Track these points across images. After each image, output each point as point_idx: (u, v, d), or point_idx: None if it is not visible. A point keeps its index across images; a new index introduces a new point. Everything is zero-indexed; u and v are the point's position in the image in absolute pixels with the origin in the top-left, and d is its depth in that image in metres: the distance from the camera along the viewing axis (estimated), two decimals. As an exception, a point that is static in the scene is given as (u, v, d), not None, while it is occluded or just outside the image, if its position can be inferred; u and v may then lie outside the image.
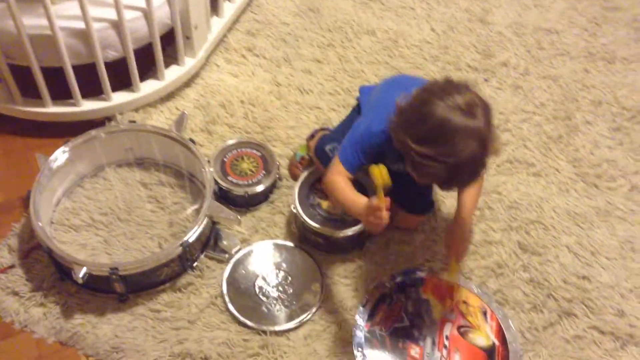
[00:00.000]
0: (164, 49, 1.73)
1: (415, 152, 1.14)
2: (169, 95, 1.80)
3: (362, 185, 1.45)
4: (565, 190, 1.66)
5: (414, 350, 1.36)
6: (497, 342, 1.38)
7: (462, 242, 1.40)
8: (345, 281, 1.46)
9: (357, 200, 1.28)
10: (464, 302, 1.44)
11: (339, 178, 1.32)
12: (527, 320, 1.42)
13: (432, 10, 2.14)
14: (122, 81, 1.71)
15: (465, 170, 1.16)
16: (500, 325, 1.41)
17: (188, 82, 1.84)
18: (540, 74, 1.95)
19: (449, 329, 1.40)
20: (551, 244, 1.55)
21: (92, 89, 1.68)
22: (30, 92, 1.66)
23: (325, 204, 1.49)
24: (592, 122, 1.82)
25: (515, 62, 1.98)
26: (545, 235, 1.57)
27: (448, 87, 1.16)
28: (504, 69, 1.95)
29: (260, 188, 1.53)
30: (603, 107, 1.86)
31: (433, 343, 1.38)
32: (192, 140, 1.55)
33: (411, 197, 1.49)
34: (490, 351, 1.37)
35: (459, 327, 1.40)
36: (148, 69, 1.75)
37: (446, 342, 1.38)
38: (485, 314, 1.42)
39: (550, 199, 1.64)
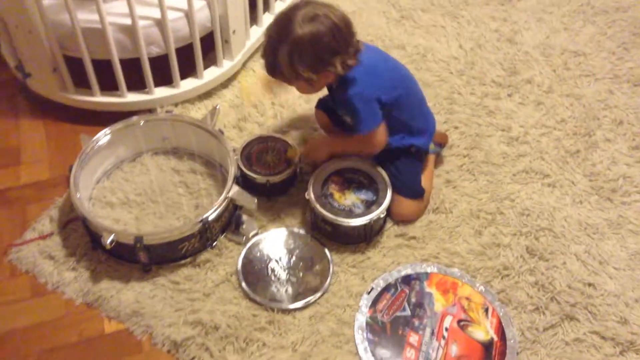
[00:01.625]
0: (204, 52, 1.88)
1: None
2: (207, 94, 1.95)
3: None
4: (579, 201, 1.70)
5: (413, 338, 1.42)
6: (495, 338, 1.42)
7: (308, 146, 1.66)
8: (353, 270, 1.54)
9: None
10: (467, 298, 1.49)
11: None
12: (529, 320, 1.46)
13: (462, 29, 2.23)
14: (164, 77, 1.87)
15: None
16: (500, 322, 1.45)
17: (225, 83, 1.98)
18: (563, 92, 1.99)
19: (449, 322, 1.45)
20: (559, 251, 1.58)
21: (136, 83, 1.84)
22: (80, 82, 1.83)
23: (336, 193, 1.59)
24: (611, 139, 1.85)
25: (539, 80, 2.03)
26: (555, 243, 1.60)
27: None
28: (528, 86, 2.01)
29: (280, 178, 1.64)
30: (624, 127, 1.89)
31: (432, 333, 1.43)
32: (221, 131, 1.67)
33: (400, 180, 1.61)
34: (488, 345, 1.41)
35: (459, 321, 1.45)
36: (189, 68, 1.90)
37: (445, 333, 1.43)
38: (486, 310, 1.47)
39: (563, 209, 1.68)
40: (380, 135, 1.54)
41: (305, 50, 1.36)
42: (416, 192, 1.62)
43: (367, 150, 1.60)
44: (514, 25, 2.25)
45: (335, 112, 1.66)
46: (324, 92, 1.61)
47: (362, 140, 1.55)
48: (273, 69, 1.42)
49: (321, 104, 1.76)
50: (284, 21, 1.37)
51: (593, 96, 1.99)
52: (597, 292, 1.51)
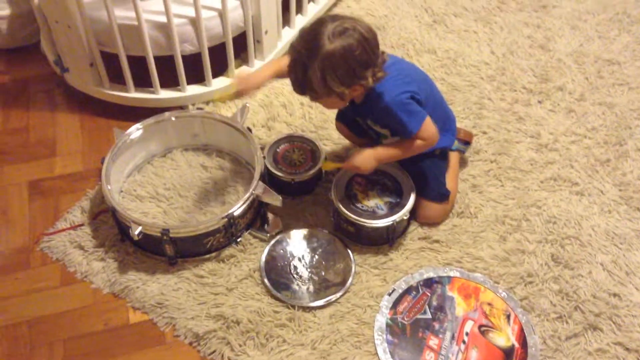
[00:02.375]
0: (237, 51, 1.91)
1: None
2: (238, 93, 1.97)
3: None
4: (607, 211, 1.68)
5: (433, 341, 1.42)
6: (517, 345, 1.42)
7: (353, 160, 1.54)
8: (375, 271, 1.55)
9: None
10: (489, 304, 1.49)
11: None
12: (551, 328, 1.44)
13: (494, 35, 2.22)
14: (196, 75, 1.90)
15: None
16: (522, 329, 1.44)
17: (256, 83, 2.01)
18: (596, 100, 1.97)
19: (469, 326, 1.45)
20: (585, 260, 1.56)
21: (169, 80, 1.88)
22: (116, 78, 1.88)
23: (359, 194, 1.60)
24: (644, 149, 1.83)
25: (571, 88, 2.01)
26: (581, 251, 1.58)
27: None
28: (559, 93, 1.99)
29: (305, 177, 1.65)
30: (658, 137, 1.87)
31: (452, 337, 1.43)
32: (249, 129, 1.70)
33: (424, 183, 1.61)
34: (508, 352, 1.41)
35: (480, 326, 1.45)
36: (221, 67, 1.93)
37: (465, 338, 1.43)
38: (508, 317, 1.46)
39: (591, 217, 1.66)
40: (431, 128, 1.51)
41: (338, 66, 1.33)
42: (442, 195, 1.62)
43: (418, 148, 1.54)
44: (548, 32, 2.23)
45: (355, 122, 1.66)
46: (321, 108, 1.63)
47: (413, 142, 1.51)
48: (302, 86, 1.39)
49: (340, 116, 1.75)
50: (312, 37, 1.34)
51: (626, 105, 1.96)
52: (622, 302, 1.49)
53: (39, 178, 1.77)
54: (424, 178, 1.61)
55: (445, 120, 1.65)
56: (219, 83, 1.92)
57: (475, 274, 1.54)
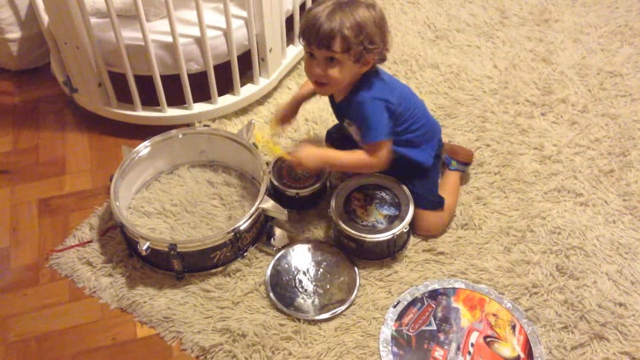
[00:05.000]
0: (242, 70, 1.94)
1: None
2: (243, 110, 2.01)
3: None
4: (612, 221, 1.68)
5: (438, 353, 1.42)
6: (522, 355, 1.42)
7: (299, 153, 1.52)
8: (379, 283, 1.56)
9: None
10: (494, 314, 1.49)
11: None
12: (557, 339, 1.44)
13: (497, 49, 2.24)
14: (202, 93, 1.94)
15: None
16: (527, 340, 1.44)
17: (261, 100, 2.04)
18: (599, 112, 1.98)
19: (475, 337, 1.45)
20: (590, 270, 1.56)
21: (176, 99, 1.92)
22: (123, 97, 1.92)
23: (358, 210, 1.62)
24: (648, 160, 1.83)
25: (574, 100, 2.02)
26: (586, 261, 1.58)
27: None
28: (562, 105, 2.00)
29: (310, 192, 1.67)
30: (661, 147, 1.87)
31: (458, 348, 1.43)
32: (254, 145, 1.73)
33: (416, 193, 1.62)
34: (514, 363, 1.41)
35: (485, 337, 1.45)
36: (226, 85, 1.96)
37: (471, 349, 1.43)
38: (514, 327, 1.46)
39: (595, 228, 1.66)
40: (386, 151, 1.51)
41: (376, 24, 1.41)
42: (434, 203, 1.63)
43: (366, 166, 1.53)
44: (550, 46, 2.25)
45: (345, 143, 1.66)
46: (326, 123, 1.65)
47: (363, 154, 1.51)
48: (331, 35, 1.38)
49: (328, 136, 1.80)
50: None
51: (629, 116, 1.97)
52: (628, 312, 1.48)
53: (48, 196, 1.80)
54: (415, 188, 1.63)
55: (429, 131, 1.65)
56: (224, 101, 1.95)
57: (480, 285, 1.55)
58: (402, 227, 1.55)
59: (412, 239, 1.64)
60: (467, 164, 1.78)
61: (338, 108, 1.60)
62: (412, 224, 1.61)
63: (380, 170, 1.57)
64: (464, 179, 1.79)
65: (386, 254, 1.59)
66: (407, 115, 1.56)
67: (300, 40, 1.45)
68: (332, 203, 1.61)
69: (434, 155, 1.66)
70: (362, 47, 1.40)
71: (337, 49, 1.40)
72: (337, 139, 1.76)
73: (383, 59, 1.48)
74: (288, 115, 1.70)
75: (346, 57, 1.41)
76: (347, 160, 1.54)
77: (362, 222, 1.59)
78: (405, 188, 1.63)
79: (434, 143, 1.67)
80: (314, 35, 1.40)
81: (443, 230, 1.66)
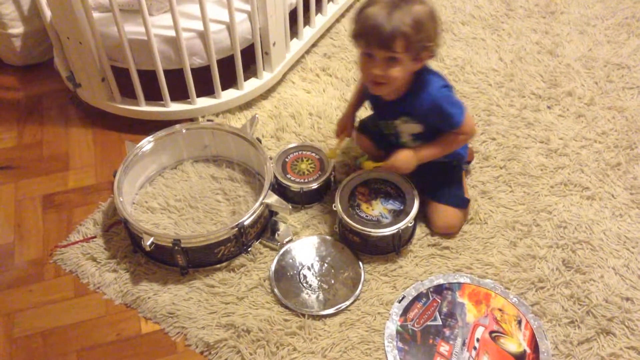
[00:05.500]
0: (245, 64, 1.93)
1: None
2: (247, 104, 2.00)
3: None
4: (619, 215, 1.66)
5: (444, 348, 1.42)
6: (528, 350, 1.41)
7: (394, 161, 1.56)
8: (384, 278, 1.55)
9: None
10: (500, 309, 1.48)
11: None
12: (563, 333, 1.43)
13: (502, 41, 2.22)
14: (206, 88, 1.93)
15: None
16: (533, 335, 1.43)
17: (265, 95, 2.03)
18: (605, 104, 1.96)
19: (480, 332, 1.44)
20: (597, 265, 1.55)
21: (179, 93, 1.91)
22: (127, 92, 1.91)
23: (363, 204, 1.61)
24: (655, 153, 1.82)
25: (581, 92, 2.00)
26: (592, 256, 1.57)
27: None
28: (569, 98, 1.99)
29: (314, 186, 1.66)
30: (669, 140, 1.85)
31: (463, 343, 1.42)
32: (258, 140, 1.72)
33: (444, 188, 1.62)
34: (520, 358, 1.40)
35: (491, 332, 1.44)
36: (230, 79, 1.95)
37: (476, 344, 1.42)
38: (519, 322, 1.45)
39: (602, 222, 1.65)
40: (471, 120, 1.55)
41: (433, 23, 1.41)
42: (463, 200, 1.63)
43: (462, 143, 1.58)
44: (556, 38, 2.23)
45: (376, 133, 1.67)
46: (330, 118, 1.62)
47: (453, 136, 1.54)
48: (393, 36, 1.37)
49: (362, 128, 1.75)
50: None
51: (636, 109, 1.95)
52: (635, 306, 1.47)
53: (52, 192, 1.80)
54: (445, 183, 1.62)
55: None
56: (228, 95, 1.95)
57: (485, 280, 1.54)
58: (407, 221, 1.54)
59: (417, 234, 1.63)
60: (469, 162, 1.78)
61: (388, 106, 1.56)
62: (429, 221, 1.61)
63: (472, 138, 1.61)
64: (468, 171, 1.78)
65: (391, 249, 1.58)
66: None
67: (357, 41, 1.44)
68: (337, 197, 1.61)
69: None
70: (421, 44, 1.39)
71: (398, 49, 1.38)
72: (371, 132, 1.72)
73: (433, 55, 1.46)
74: (348, 126, 1.70)
75: (406, 56, 1.40)
76: (440, 147, 1.56)
77: (366, 216, 1.58)
78: (410, 181, 1.62)
79: None
80: (374, 36, 1.38)
81: (460, 228, 1.65)
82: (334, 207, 1.59)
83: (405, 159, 1.55)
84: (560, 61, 2.13)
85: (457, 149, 1.59)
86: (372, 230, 1.54)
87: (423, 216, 1.65)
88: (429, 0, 1.43)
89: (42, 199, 1.78)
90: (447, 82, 1.55)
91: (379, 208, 1.60)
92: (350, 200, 1.62)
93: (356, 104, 1.71)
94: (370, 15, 1.38)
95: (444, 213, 1.61)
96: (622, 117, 1.93)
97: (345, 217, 1.56)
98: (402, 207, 1.59)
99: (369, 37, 1.39)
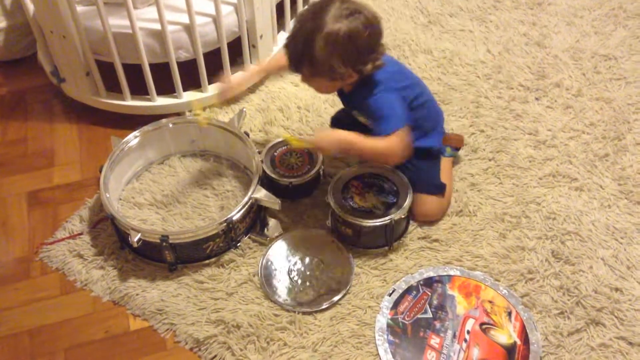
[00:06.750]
0: (232, 57, 1.91)
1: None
2: (234, 98, 1.98)
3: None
4: (607, 206, 1.67)
5: (434, 341, 1.41)
6: (519, 341, 1.41)
7: (316, 136, 1.50)
8: (374, 272, 1.54)
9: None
10: (490, 301, 1.48)
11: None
12: (553, 325, 1.43)
13: (490, 33, 2.22)
14: (192, 81, 1.91)
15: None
16: (524, 326, 1.43)
17: (252, 88, 2.01)
18: (593, 96, 1.96)
19: (471, 324, 1.44)
20: (586, 255, 1.56)
21: (165, 87, 1.89)
22: (112, 86, 1.89)
23: (356, 197, 1.60)
24: (642, 143, 1.82)
25: (568, 84, 2.00)
26: (581, 247, 1.57)
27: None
28: (557, 90, 1.99)
29: (303, 180, 1.65)
30: (656, 130, 1.86)
31: (454, 336, 1.42)
32: (246, 134, 1.70)
33: (417, 178, 1.61)
34: (510, 349, 1.40)
35: (481, 324, 1.44)
36: (217, 72, 1.93)
37: (467, 336, 1.42)
38: (510, 314, 1.45)
39: (591, 213, 1.65)
40: (404, 139, 1.45)
41: (344, 45, 1.35)
42: (437, 187, 1.62)
43: (385, 154, 1.47)
44: (543, 29, 2.22)
45: (353, 127, 1.64)
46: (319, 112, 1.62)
47: (382, 142, 1.45)
48: (300, 59, 1.38)
49: (334, 122, 1.77)
50: (320, 11, 1.35)
51: (624, 99, 1.95)
52: (624, 297, 1.48)
53: (37, 188, 1.78)
54: (417, 173, 1.61)
55: (435, 119, 1.66)
56: (215, 89, 1.92)
57: (475, 272, 1.54)
58: (400, 212, 1.53)
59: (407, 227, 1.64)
60: (459, 148, 1.77)
61: (345, 97, 1.58)
62: (411, 210, 1.60)
63: (403, 159, 1.53)
64: (457, 162, 1.78)
65: (383, 243, 1.58)
66: (419, 104, 1.56)
67: None
68: (330, 190, 1.60)
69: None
70: (342, 69, 1.37)
71: (306, 73, 1.41)
72: (346, 123, 1.66)
73: (379, 62, 1.42)
74: (235, 86, 1.73)
75: (320, 77, 1.41)
76: (368, 145, 1.45)
77: (359, 207, 1.57)
78: (403, 176, 1.62)
79: (442, 126, 1.69)
80: (288, 58, 1.42)
81: (442, 216, 1.65)
82: (327, 199, 1.58)
83: (327, 138, 1.48)
84: (548, 52, 2.13)
85: (383, 157, 1.51)
86: (365, 220, 1.53)
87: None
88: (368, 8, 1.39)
89: (27, 195, 1.76)
90: (398, 84, 1.50)
91: (372, 200, 1.59)
92: (344, 192, 1.61)
93: (261, 72, 1.73)
94: (289, 36, 1.42)
95: (420, 201, 1.61)
96: (610, 108, 1.93)
97: (337, 207, 1.55)
98: (395, 200, 1.58)
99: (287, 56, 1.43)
